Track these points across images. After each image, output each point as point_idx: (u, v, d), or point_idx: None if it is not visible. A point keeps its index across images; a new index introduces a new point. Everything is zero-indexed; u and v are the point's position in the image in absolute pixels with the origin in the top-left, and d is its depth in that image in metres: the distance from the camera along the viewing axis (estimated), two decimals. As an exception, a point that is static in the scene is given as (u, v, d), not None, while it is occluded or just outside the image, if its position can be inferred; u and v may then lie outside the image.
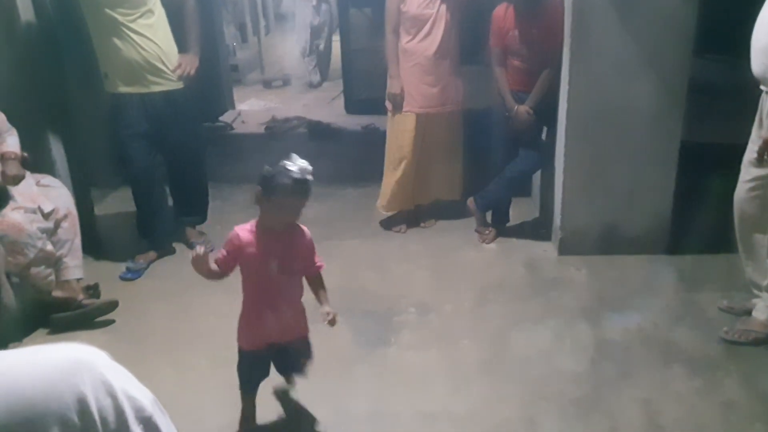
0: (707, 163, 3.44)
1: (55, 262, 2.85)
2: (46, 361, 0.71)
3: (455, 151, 3.82)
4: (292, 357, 2.23)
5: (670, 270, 3.25)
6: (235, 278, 3.33)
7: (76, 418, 0.68)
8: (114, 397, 0.72)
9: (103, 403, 0.70)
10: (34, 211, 2.75)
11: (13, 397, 0.66)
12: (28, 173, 2.88)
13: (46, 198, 2.85)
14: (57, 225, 2.85)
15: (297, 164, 1.99)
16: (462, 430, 2.23)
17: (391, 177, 3.76)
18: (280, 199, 1.98)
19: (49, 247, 2.78)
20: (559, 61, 3.24)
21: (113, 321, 2.94)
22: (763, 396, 2.35)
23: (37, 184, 2.91)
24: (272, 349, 2.17)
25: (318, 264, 2.19)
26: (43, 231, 2.76)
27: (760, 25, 2.37)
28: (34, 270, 2.75)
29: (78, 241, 2.96)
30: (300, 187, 1.97)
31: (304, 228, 2.14)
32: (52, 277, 2.84)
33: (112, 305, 2.95)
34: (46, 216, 2.80)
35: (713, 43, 4.02)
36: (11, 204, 2.70)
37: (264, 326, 2.13)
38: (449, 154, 3.80)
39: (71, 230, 2.93)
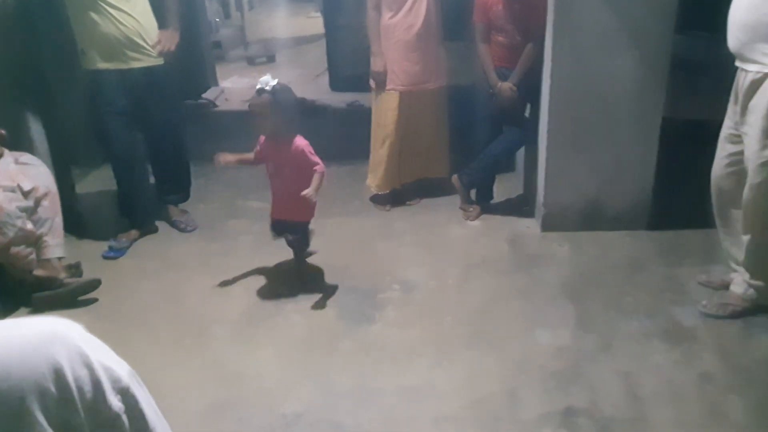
0: (688, 140, 3.47)
1: (35, 241, 2.82)
2: (22, 333, 0.71)
3: (440, 129, 3.81)
4: (288, 232, 2.93)
5: (651, 245, 3.29)
6: (218, 259, 3.33)
7: (52, 388, 0.68)
8: (90, 368, 0.72)
9: (79, 373, 0.70)
10: (12, 190, 2.71)
11: None
12: (6, 151, 2.84)
13: (24, 176, 2.81)
14: (37, 203, 2.82)
15: (262, 79, 2.66)
16: (445, 404, 2.26)
17: (377, 155, 3.75)
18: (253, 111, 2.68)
19: (29, 226, 2.76)
20: (542, 36, 3.23)
21: (96, 300, 2.92)
22: (738, 368, 2.40)
23: (16, 162, 2.87)
24: (279, 223, 2.95)
25: (315, 168, 2.75)
26: (23, 210, 2.73)
27: (737, 1, 2.39)
28: (14, 249, 2.72)
29: (59, 219, 2.94)
30: (260, 96, 2.65)
31: (297, 139, 2.76)
32: (33, 256, 2.82)
33: (95, 284, 2.93)
34: (25, 194, 2.76)
35: (696, 20, 4.03)
36: None
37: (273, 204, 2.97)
38: (434, 132, 3.79)
39: (52, 208, 2.89)
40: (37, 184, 2.84)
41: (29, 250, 2.80)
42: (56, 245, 2.91)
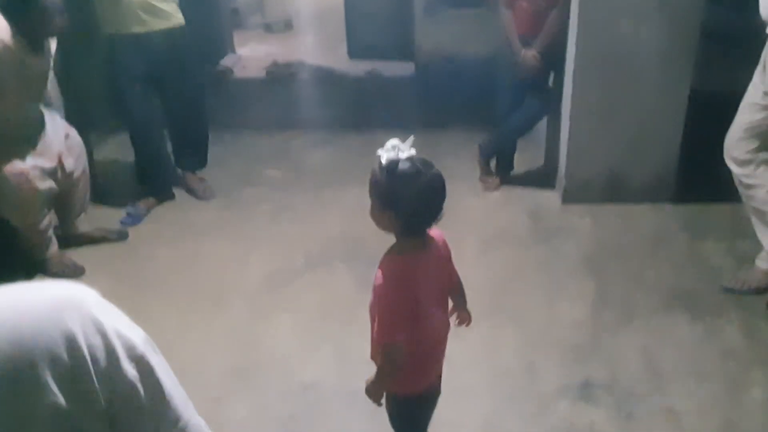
0: (716, 111, 3.38)
1: (62, 220, 2.96)
2: (33, 298, 0.69)
3: None
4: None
5: (675, 219, 3.23)
6: (235, 226, 3.32)
7: (65, 356, 0.66)
8: (104, 335, 0.70)
9: (92, 340, 0.69)
10: (53, 171, 2.77)
11: None
12: (62, 121, 2.89)
13: (69, 154, 2.87)
14: (75, 185, 2.92)
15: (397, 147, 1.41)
16: (462, 376, 2.24)
17: None
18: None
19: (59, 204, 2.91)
20: (567, 3, 3.13)
21: (114, 265, 2.95)
22: (762, 344, 2.36)
23: (66, 137, 2.88)
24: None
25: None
26: (56, 191, 2.81)
27: None
28: (40, 228, 2.79)
29: (88, 196, 3.08)
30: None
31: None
32: (51, 234, 2.89)
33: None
34: (66, 176, 2.84)
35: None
36: (33, 160, 2.69)
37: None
38: None
39: (84, 188, 3.02)
40: (78, 165, 2.92)
41: (51, 230, 2.88)
42: (81, 221, 3.05)
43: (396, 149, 1.41)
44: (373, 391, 1.60)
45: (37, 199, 2.70)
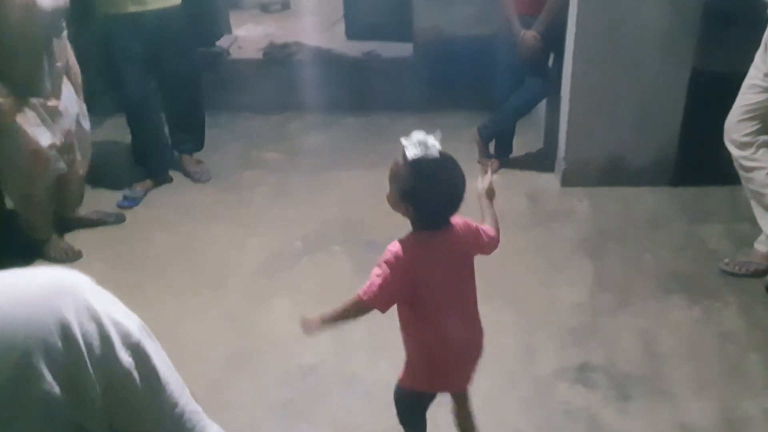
0: (717, 92, 3.35)
1: (60, 205, 2.96)
2: (26, 285, 0.68)
3: None
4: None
5: (674, 202, 3.22)
6: (233, 210, 3.31)
7: (59, 344, 0.65)
8: (99, 323, 0.69)
9: (87, 328, 0.68)
10: (65, 151, 2.76)
11: None
12: (78, 99, 2.86)
13: (75, 138, 2.84)
14: (74, 170, 2.90)
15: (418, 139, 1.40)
16: (460, 357, 2.25)
17: None
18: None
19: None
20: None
21: (111, 248, 2.93)
22: (759, 327, 2.36)
23: (77, 119, 2.85)
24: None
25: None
26: (63, 171, 2.80)
27: None
28: (42, 209, 2.79)
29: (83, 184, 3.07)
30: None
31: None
32: (51, 217, 2.89)
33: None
34: (69, 160, 2.80)
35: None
36: (51, 137, 2.66)
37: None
38: None
39: (83, 177, 3.02)
40: (82, 152, 2.91)
41: (51, 212, 2.88)
42: (79, 205, 3.08)
43: (423, 146, 1.39)
44: (315, 320, 1.62)
45: (45, 177, 2.69)
